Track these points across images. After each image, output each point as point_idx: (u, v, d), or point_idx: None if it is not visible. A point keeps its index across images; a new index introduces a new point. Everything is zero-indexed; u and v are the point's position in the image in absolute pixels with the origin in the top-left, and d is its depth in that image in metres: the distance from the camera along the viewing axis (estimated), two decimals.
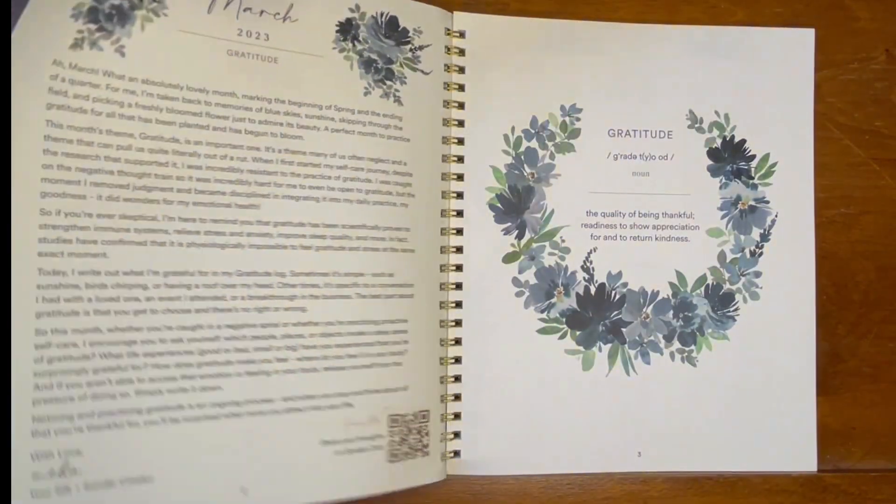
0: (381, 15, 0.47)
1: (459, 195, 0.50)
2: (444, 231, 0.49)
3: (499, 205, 0.50)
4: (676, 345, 0.50)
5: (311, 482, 0.42)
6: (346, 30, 0.46)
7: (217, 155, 0.41)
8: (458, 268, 0.49)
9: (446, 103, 0.50)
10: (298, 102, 0.44)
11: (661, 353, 0.50)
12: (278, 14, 0.44)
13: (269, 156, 0.43)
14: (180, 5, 0.41)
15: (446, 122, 0.50)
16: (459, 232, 0.49)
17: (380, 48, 0.47)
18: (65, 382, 0.37)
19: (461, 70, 0.50)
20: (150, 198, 0.39)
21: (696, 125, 0.51)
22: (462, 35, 0.50)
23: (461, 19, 0.50)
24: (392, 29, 0.47)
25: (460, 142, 0.50)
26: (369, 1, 0.47)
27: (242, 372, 0.41)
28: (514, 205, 0.50)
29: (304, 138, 0.44)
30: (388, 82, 0.47)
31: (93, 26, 0.39)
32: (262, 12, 0.44)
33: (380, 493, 0.44)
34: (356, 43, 0.46)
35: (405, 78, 0.47)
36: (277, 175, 0.43)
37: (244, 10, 0.43)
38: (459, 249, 0.49)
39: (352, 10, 0.46)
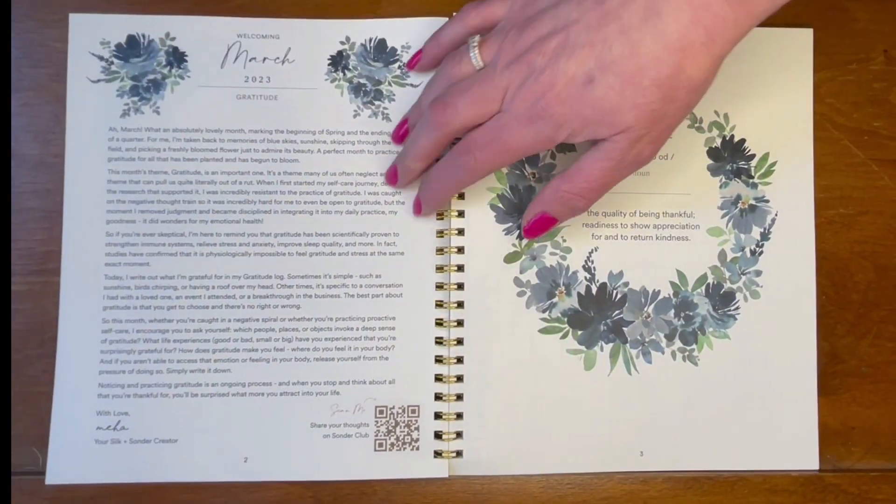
0: (370, 40, 0.51)
1: (461, 196, 0.50)
2: (444, 232, 0.50)
3: (500, 205, 0.50)
4: (678, 344, 0.50)
5: (301, 460, 0.48)
6: (337, 61, 0.51)
7: (229, 181, 0.49)
8: (460, 268, 0.49)
9: None
10: (295, 131, 0.50)
11: (663, 353, 0.50)
12: (278, 58, 0.50)
13: (270, 178, 0.50)
14: (199, 66, 0.50)
15: None
16: (461, 232, 0.50)
17: (368, 72, 0.51)
18: (119, 359, 0.48)
19: None
20: (179, 219, 0.49)
21: (696, 125, 0.51)
22: None
23: None
24: (380, 51, 0.51)
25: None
26: (359, 29, 0.51)
27: (247, 358, 0.49)
28: (516, 205, 0.50)
29: (299, 161, 0.50)
30: (377, 102, 0.51)
31: (135, 98, 0.50)
32: (264, 59, 0.50)
33: (365, 479, 0.48)
34: (346, 72, 0.51)
35: (393, 95, 0.51)
36: (277, 194, 0.50)
37: (250, 60, 0.50)
38: (461, 250, 0.50)
39: (342, 43, 0.51)
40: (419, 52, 0.50)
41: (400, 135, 0.49)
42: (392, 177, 0.49)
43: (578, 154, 0.50)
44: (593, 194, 0.44)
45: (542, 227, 0.46)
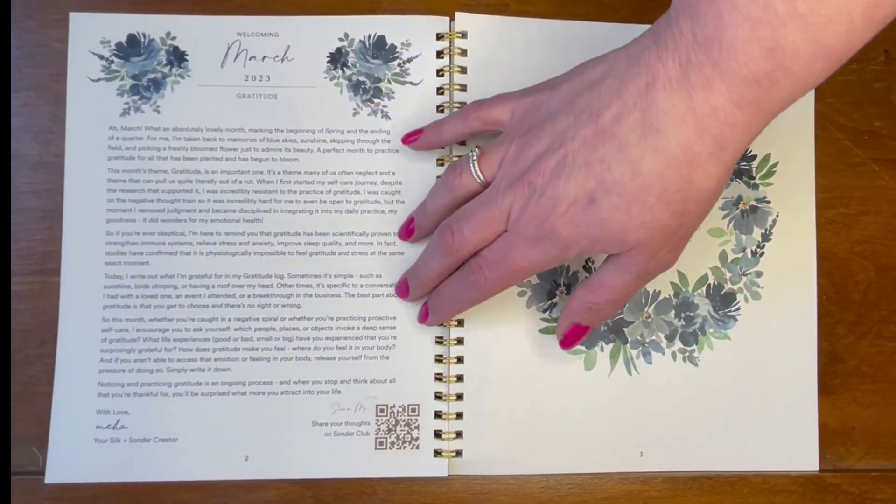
0: (369, 37, 0.50)
1: None
2: None
3: None
4: (678, 344, 0.50)
5: (303, 458, 0.48)
6: (336, 59, 0.51)
7: (229, 180, 0.50)
8: None
9: (440, 108, 0.50)
10: (294, 129, 0.50)
11: (663, 353, 0.50)
12: (277, 56, 0.50)
13: (270, 177, 0.50)
14: (200, 66, 0.50)
15: None
16: None
17: (368, 69, 0.51)
18: (119, 358, 0.48)
19: (463, 70, 0.50)
20: (179, 218, 0.49)
21: None
22: (464, 36, 0.50)
23: (463, 20, 0.50)
24: (379, 48, 0.51)
25: (462, 142, 0.50)
26: (357, 26, 0.51)
27: (247, 357, 0.49)
28: None
29: (299, 160, 0.50)
30: (376, 100, 0.51)
31: (136, 97, 0.50)
32: (264, 57, 0.50)
33: (366, 477, 0.49)
34: (345, 69, 0.50)
35: (393, 93, 0.51)
36: (277, 193, 0.50)
37: (250, 59, 0.50)
38: None
39: (341, 40, 0.51)
40: (419, 131, 0.49)
41: (407, 231, 0.49)
42: (403, 290, 0.49)
43: None
44: (619, 303, 0.43)
45: (576, 336, 0.45)
